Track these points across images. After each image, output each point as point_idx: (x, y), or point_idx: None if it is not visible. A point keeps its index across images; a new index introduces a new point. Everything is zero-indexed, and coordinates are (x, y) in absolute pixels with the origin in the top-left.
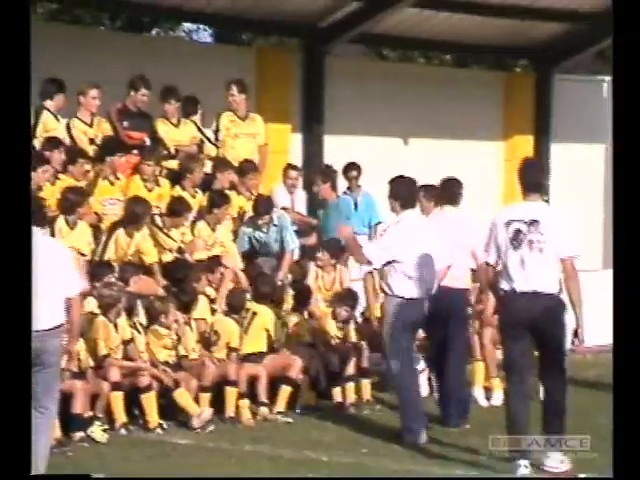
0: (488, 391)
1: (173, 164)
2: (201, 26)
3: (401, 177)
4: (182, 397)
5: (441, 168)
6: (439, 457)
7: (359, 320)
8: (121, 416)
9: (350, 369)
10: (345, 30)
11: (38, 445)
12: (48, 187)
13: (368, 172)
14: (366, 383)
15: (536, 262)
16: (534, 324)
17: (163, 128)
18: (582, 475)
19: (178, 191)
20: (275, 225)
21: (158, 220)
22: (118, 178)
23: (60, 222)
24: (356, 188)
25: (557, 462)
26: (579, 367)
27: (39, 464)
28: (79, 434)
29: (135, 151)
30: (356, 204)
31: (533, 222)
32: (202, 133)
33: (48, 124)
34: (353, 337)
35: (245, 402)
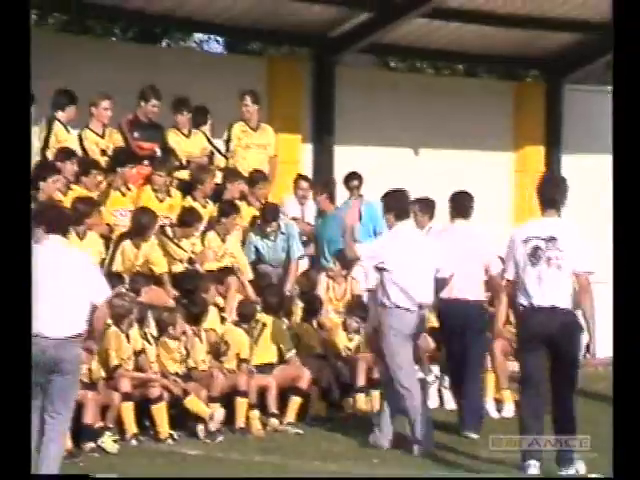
0: (499, 403)
1: (184, 175)
2: (212, 36)
3: (393, 190)
4: (193, 403)
5: (451, 178)
6: (450, 466)
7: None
8: (132, 427)
9: (361, 380)
10: (355, 40)
11: (48, 449)
12: (60, 197)
13: (378, 182)
14: (376, 394)
15: (553, 278)
16: (550, 338)
17: (174, 139)
18: (582, 475)
19: (189, 202)
20: (282, 233)
21: (169, 230)
22: (129, 189)
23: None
24: (358, 198)
25: (583, 469)
26: (590, 379)
27: (51, 466)
28: (90, 444)
29: (146, 162)
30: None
31: (551, 239)
32: (211, 144)
33: (59, 135)
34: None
35: (255, 413)
